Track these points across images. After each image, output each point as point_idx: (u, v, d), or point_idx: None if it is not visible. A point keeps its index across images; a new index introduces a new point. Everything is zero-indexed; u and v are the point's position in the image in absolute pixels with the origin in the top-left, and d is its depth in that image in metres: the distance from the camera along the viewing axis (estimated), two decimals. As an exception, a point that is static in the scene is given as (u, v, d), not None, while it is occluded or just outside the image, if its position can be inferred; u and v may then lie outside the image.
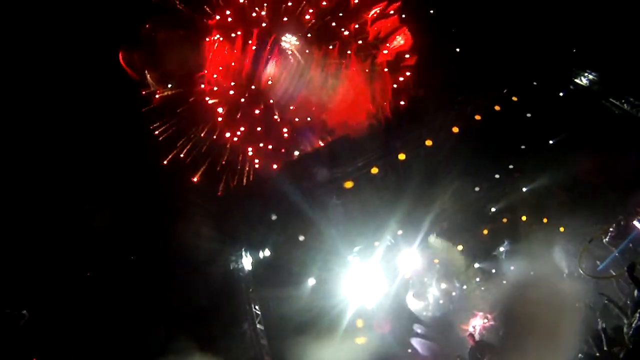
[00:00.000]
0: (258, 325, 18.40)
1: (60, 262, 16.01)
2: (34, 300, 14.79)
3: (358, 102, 21.89)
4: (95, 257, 16.65)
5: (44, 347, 14.86)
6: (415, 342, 20.36)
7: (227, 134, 20.98)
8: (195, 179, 19.56)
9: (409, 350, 20.23)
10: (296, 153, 21.89)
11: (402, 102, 22.29)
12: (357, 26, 22.35)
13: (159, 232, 17.62)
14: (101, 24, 16.78)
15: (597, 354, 9.30)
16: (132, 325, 16.27)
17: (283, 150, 21.57)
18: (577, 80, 21.31)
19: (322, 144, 22.04)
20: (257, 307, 18.70)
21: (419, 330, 20.59)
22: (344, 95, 21.70)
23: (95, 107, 16.91)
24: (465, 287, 21.12)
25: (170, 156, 19.12)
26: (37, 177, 15.92)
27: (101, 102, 17.03)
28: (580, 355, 10.69)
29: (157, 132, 19.10)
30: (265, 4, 21.18)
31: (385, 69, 22.37)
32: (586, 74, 21.05)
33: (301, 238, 20.07)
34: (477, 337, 18.67)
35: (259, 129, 21.55)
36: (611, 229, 15.46)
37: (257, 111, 21.37)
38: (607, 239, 15.51)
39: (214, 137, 20.39)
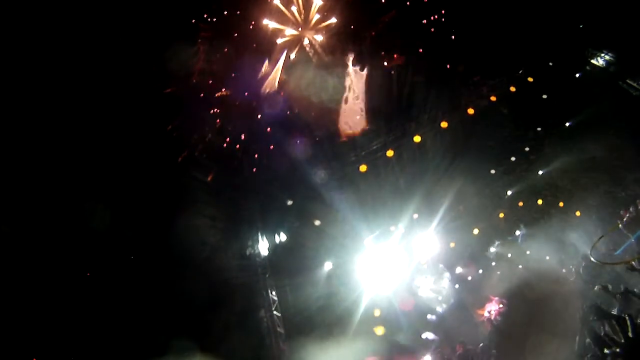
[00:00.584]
0: (275, 312, 18.26)
1: (61, 262, 15.85)
2: (34, 300, 15.11)
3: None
4: (95, 257, 16.48)
5: (44, 347, 15.08)
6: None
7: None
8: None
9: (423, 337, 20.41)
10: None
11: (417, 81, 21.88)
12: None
13: (173, 218, 17.30)
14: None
15: (622, 341, 9.15)
16: (132, 325, 16.11)
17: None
18: (594, 61, 21.02)
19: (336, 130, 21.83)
20: (274, 292, 18.61)
21: (433, 317, 20.75)
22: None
23: (96, 105, 16.61)
24: (480, 271, 21.18)
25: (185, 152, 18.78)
26: (37, 177, 15.67)
27: (103, 100, 16.74)
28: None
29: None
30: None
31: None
32: (602, 55, 20.77)
33: (317, 223, 19.92)
34: (493, 321, 18.81)
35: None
36: (627, 215, 15.44)
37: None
38: (622, 225, 15.48)
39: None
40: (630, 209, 15.65)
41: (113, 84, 16.71)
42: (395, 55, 21.62)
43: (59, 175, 15.86)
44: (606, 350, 8.80)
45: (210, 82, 19.74)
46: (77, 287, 16.08)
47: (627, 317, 9.33)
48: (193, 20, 19.35)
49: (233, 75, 20.01)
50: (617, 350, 8.51)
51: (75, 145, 16.20)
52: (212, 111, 19.54)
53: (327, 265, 19.55)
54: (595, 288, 13.69)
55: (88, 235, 16.06)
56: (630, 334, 8.94)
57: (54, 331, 15.19)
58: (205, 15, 19.77)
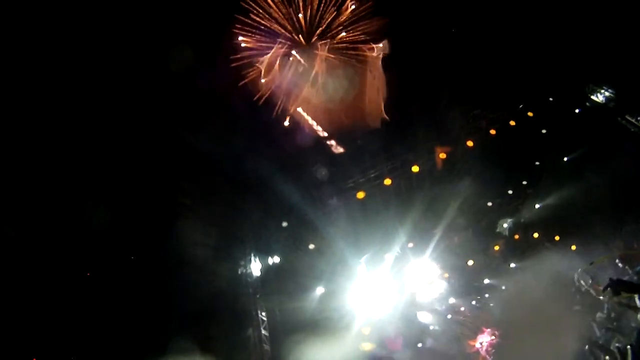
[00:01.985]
0: (263, 331, 18.33)
1: (60, 262, 16.02)
2: (34, 300, 15.27)
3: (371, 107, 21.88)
4: (95, 257, 16.68)
5: (44, 347, 15.20)
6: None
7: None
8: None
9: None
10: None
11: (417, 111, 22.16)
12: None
13: (166, 232, 17.47)
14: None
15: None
16: (132, 326, 16.25)
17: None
18: (593, 97, 21.21)
19: (335, 151, 22.10)
20: (263, 313, 18.70)
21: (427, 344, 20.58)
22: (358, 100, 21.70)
23: (95, 106, 16.75)
24: (474, 302, 21.03)
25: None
26: (36, 177, 15.84)
27: (101, 100, 16.84)
28: None
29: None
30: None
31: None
32: (602, 91, 20.99)
33: (311, 246, 20.08)
34: (484, 354, 18.66)
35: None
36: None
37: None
38: (619, 259, 15.39)
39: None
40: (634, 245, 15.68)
41: (113, 84, 16.98)
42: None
43: (58, 175, 16.06)
44: None
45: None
46: (77, 287, 16.25)
47: (628, 348, 9.34)
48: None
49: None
50: None
51: (75, 146, 16.43)
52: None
53: (319, 290, 19.66)
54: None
55: (88, 236, 16.22)
56: None
57: (53, 331, 15.31)
58: None
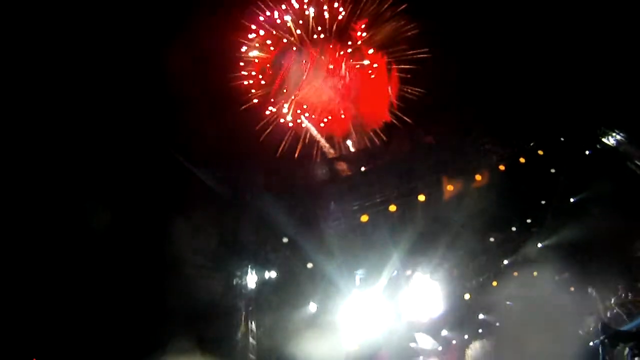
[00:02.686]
0: (251, 340, 18.57)
1: (60, 262, 16.11)
2: (34, 300, 15.43)
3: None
4: (95, 258, 16.69)
5: (44, 347, 15.27)
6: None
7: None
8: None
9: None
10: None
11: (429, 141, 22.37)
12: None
13: (165, 235, 17.53)
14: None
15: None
16: (129, 327, 16.30)
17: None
18: (605, 140, 21.19)
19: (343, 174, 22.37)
20: (253, 324, 18.93)
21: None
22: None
23: (96, 107, 17.06)
24: (466, 336, 20.85)
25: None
26: (35, 177, 16.00)
27: (103, 102, 17.17)
28: None
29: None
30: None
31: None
32: (614, 134, 20.91)
33: (309, 265, 20.21)
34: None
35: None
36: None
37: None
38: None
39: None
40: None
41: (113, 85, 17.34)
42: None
43: (57, 174, 16.25)
44: None
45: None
46: (77, 287, 16.24)
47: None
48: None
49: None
50: None
51: (74, 146, 16.70)
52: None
53: (312, 307, 19.81)
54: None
55: (88, 235, 16.43)
56: None
57: (53, 331, 15.39)
58: None
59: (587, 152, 21.30)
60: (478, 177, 21.35)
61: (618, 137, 20.62)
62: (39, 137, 16.05)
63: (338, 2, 21.23)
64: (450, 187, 21.33)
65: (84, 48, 16.68)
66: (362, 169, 22.34)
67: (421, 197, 21.05)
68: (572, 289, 19.43)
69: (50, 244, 16.01)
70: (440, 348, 20.40)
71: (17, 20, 15.60)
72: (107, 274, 16.65)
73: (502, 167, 21.67)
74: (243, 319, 18.75)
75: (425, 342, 20.57)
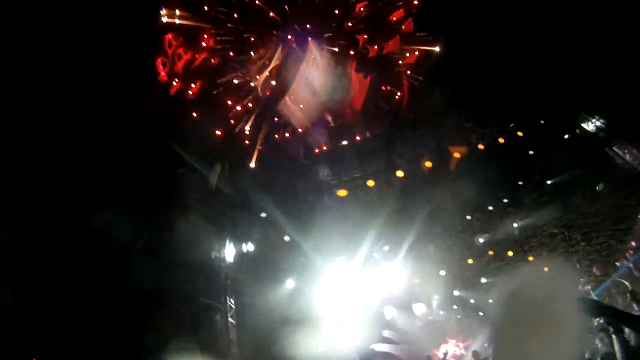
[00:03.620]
0: (230, 319, 18.38)
1: (60, 262, 15.84)
2: (33, 300, 15.06)
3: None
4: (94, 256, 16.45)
5: (44, 347, 14.95)
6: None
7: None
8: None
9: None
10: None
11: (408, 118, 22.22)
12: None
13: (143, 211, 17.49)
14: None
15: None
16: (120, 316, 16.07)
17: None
18: (584, 125, 21.52)
19: (323, 149, 22.09)
20: (232, 300, 18.72)
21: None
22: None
23: (89, 105, 16.76)
24: (441, 312, 21.16)
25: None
26: (34, 176, 15.78)
27: (94, 100, 16.86)
28: None
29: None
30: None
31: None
32: (594, 120, 21.23)
33: (286, 238, 20.08)
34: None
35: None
36: None
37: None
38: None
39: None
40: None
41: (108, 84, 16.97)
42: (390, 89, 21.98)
43: (57, 174, 16.03)
44: None
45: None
46: (77, 287, 15.99)
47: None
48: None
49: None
50: None
51: (72, 145, 16.43)
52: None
53: (290, 283, 19.73)
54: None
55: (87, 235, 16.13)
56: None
57: (53, 331, 15.14)
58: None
59: (566, 136, 21.62)
60: (456, 155, 21.50)
61: (598, 123, 20.93)
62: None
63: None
64: (428, 164, 21.38)
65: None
66: (342, 143, 22.10)
67: (399, 173, 21.09)
68: (546, 269, 19.94)
69: (49, 243, 15.75)
70: (415, 323, 20.64)
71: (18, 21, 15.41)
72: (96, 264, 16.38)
73: (481, 146, 21.90)
74: (222, 294, 18.54)
75: (402, 318, 20.83)
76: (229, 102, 20.44)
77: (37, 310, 15.05)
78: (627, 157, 20.07)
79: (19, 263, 15.06)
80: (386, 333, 20.54)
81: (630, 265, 17.23)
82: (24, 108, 15.81)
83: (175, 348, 15.71)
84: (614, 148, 20.62)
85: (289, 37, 20.06)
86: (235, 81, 20.28)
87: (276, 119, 20.92)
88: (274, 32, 20.18)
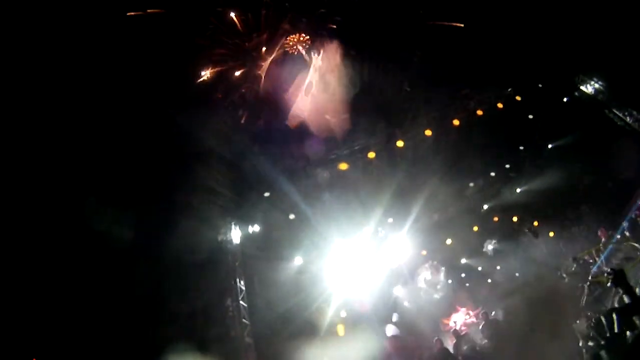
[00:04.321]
0: (241, 302, 18.02)
1: (60, 262, 15.51)
2: (33, 300, 14.83)
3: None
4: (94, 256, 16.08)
5: (44, 347, 14.77)
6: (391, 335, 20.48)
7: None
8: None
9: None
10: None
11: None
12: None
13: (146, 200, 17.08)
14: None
15: (606, 337, 9.14)
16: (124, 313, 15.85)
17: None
18: (583, 88, 21.29)
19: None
20: (242, 282, 18.37)
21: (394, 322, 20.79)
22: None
23: (88, 104, 16.16)
24: (450, 281, 21.28)
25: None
26: (34, 176, 15.36)
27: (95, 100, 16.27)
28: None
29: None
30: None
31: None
32: (592, 83, 21.11)
33: (291, 216, 19.79)
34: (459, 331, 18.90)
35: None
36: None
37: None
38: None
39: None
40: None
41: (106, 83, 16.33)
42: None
43: (57, 173, 15.60)
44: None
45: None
46: (77, 287, 15.72)
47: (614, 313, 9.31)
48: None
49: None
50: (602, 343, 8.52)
51: (72, 144, 15.93)
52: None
53: (298, 260, 19.48)
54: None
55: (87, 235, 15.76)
56: (616, 330, 8.94)
57: (53, 331, 14.97)
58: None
59: (564, 99, 21.56)
60: (456, 122, 21.26)
61: (596, 85, 20.71)
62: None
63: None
64: (428, 133, 21.12)
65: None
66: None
67: (399, 143, 20.81)
68: (552, 234, 20.23)
69: (49, 243, 15.41)
70: (424, 293, 20.73)
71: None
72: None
73: (479, 112, 21.62)
74: (231, 277, 18.19)
75: (410, 291, 20.90)
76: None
77: (37, 310, 14.85)
78: (628, 119, 20.21)
79: (19, 263, 14.77)
80: (395, 317, 20.84)
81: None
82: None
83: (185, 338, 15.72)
84: (614, 110, 20.72)
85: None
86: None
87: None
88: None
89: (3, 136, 14.63)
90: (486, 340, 16.57)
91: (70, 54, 15.44)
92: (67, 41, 15.29)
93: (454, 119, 21.27)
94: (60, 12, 15.04)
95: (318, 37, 19.73)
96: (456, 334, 17.92)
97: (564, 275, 15.52)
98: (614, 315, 8.86)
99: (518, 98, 21.75)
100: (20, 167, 15.01)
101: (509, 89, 21.82)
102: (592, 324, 9.52)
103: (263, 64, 19.72)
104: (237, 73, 19.61)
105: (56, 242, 15.49)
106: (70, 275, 15.72)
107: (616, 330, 8.56)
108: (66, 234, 15.58)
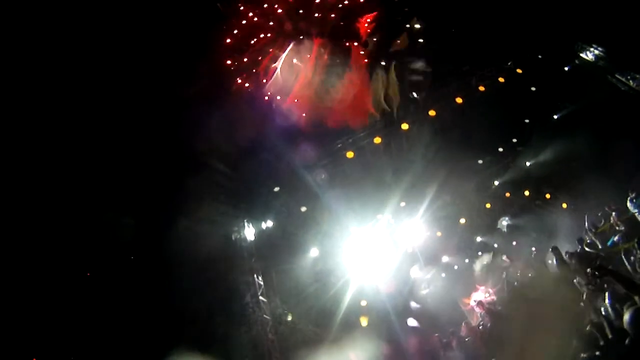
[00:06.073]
0: (261, 297, 17.96)
1: (61, 262, 15.64)
2: (34, 300, 14.94)
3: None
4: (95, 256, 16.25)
5: (44, 347, 14.92)
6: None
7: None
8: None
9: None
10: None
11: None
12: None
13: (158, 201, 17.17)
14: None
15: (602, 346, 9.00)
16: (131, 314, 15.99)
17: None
18: (583, 55, 21.05)
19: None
20: (260, 277, 18.27)
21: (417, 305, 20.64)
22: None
23: (92, 106, 16.38)
24: (467, 260, 21.18)
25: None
26: (36, 177, 15.47)
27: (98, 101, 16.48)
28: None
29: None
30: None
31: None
32: (592, 49, 20.93)
33: (303, 209, 19.78)
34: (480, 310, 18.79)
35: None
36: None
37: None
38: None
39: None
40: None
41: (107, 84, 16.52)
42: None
43: (58, 175, 15.68)
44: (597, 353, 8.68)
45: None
46: (77, 287, 15.92)
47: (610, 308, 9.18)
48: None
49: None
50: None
51: (75, 145, 16.02)
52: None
53: (314, 252, 19.35)
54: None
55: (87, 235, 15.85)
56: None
57: (53, 331, 15.07)
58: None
59: (566, 68, 21.41)
60: (459, 100, 21.10)
61: (596, 51, 20.48)
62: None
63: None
64: (432, 113, 20.96)
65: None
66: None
67: (404, 126, 20.64)
68: (565, 205, 20.14)
69: (49, 243, 15.53)
70: (443, 275, 20.64)
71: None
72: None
73: (482, 88, 21.47)
74: (248, 274, 18.13)
75: (426, 271, 20.81)
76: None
77: (37, 310, 14.96)
78: (631, 82, 20.07)
79: (19, 263, 14.89)
80: (413, 304, 20.71)
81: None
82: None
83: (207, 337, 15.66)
84: (617, 75, 20.59)
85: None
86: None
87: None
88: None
89: (7, 138, 14.71)
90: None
91: (77, 57, 15.65)
92: (67, 41, 15.46)
93: (456, 97, 21.21)
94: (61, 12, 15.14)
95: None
96: (481, 306, 17.71)
97: (584, 247, 15.36)
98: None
99: (519, 71, 21.60)
100: (24, 168, 15.17)
101: (509, 63, 21.77)
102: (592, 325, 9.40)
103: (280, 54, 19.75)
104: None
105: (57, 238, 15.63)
106: (81, 275, 16.30)
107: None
108: (80, 234, 15.78)
